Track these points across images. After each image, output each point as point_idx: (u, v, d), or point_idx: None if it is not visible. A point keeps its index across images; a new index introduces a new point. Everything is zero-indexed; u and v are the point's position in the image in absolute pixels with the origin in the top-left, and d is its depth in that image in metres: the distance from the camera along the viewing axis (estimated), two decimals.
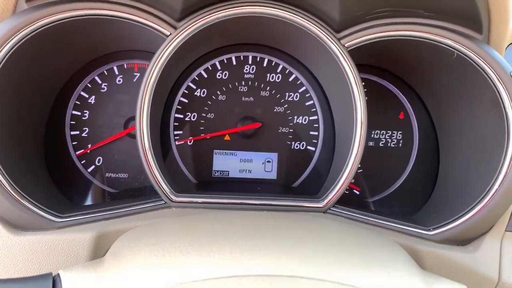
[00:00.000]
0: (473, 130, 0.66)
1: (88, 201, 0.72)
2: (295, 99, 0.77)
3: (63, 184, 0.71)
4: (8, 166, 0.56)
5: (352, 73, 0.64)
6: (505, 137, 0.58)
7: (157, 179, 0.60)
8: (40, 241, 0.54)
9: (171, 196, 0.61)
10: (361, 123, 0.64)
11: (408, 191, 0.75)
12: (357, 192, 0.77)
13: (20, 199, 0.55)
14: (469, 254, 0.57)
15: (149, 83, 0.62)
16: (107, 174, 0.74)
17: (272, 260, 0.42)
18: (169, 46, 0.62)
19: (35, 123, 0.68)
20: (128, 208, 0.59)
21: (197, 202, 0.61)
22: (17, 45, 0.56)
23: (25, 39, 0.57)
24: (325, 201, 0.63)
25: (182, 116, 0.75)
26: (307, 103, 0.77)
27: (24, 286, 0.41)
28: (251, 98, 0.76)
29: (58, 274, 0.42)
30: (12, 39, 0.56)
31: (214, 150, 0.76)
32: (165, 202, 0.61)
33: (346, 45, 0.64)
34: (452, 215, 0.59)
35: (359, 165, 0.70)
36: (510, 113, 0.59)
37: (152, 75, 0.62)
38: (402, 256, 0.47)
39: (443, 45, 0.62)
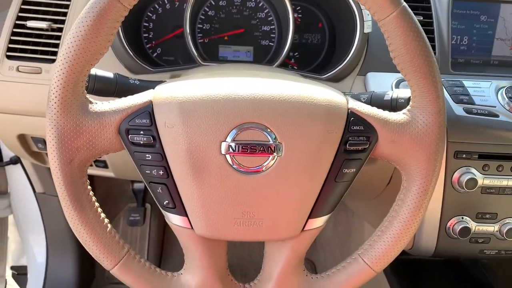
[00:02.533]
0: (348, 26, 1.32)
1: None
2: (262, 16, 1.41)
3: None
4: (129, 42, 1.20)
5: (288, 2, 1.29)
6: (355, 24, 1.23)
7: (193, 52, 1.26)
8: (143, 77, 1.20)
9: (200, 61, 1.26)
10: (292, 27, 1.29)
11: (323, 67, 1.42)
12: (296, 68, 1.44)
13: (136, 59, 1.20)
14: (339, 84, 1.25)
15: (189, 6, 1.26)
16: (163, 57, 1.39)
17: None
18: None
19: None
20: (180, 66, 1.25)
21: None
22: None
23: None
24: (274, 65, 1.29)
25: (202, 26, 1.40)
26: (269, 18, 1.41)
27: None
28: (238, 16, 1.40)
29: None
30: None
31: (219, 45, 1.41)
32: (199, 65, 1.26)
33: None
34: (333, 66, 1.26)
35: (297, 54, 1.38)
36: (354, 8, 1.23)
37: (190, 2, 1.26)
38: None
39: None
